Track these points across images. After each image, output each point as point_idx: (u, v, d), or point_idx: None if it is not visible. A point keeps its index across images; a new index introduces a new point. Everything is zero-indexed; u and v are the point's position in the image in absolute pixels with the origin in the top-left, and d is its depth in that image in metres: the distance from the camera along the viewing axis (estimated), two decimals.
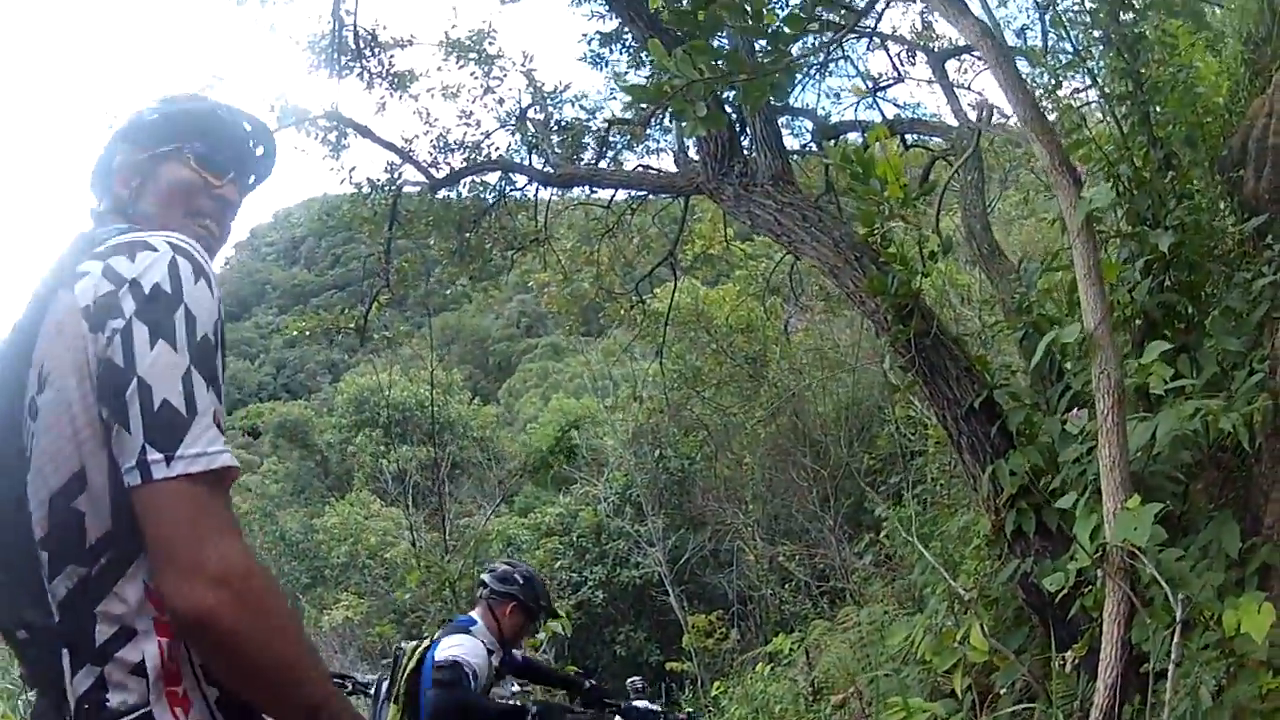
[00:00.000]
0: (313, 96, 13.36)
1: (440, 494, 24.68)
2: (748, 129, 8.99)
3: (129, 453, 1.67)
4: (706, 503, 21.04)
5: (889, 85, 14.63)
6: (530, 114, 12.98)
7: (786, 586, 17.51)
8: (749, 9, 4.87)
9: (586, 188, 13.86)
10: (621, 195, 14.08)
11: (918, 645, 6.78)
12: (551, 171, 11.97)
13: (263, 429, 50.34)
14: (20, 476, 1.78)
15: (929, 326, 7.05)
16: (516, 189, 13.16)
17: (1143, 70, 6.07)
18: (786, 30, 5.05)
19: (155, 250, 1.80)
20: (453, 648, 5.36)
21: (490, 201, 13.02)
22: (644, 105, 13.10)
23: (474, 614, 5.79)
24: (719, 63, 4.87)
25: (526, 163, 12.73)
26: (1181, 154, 6.21)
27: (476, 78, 12.89)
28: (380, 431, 35.50)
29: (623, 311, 16.16)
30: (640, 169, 13.22)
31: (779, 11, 5.34)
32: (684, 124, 6.04)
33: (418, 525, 27.38)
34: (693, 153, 9.67)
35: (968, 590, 7.26)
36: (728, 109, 8.61)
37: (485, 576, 5.85)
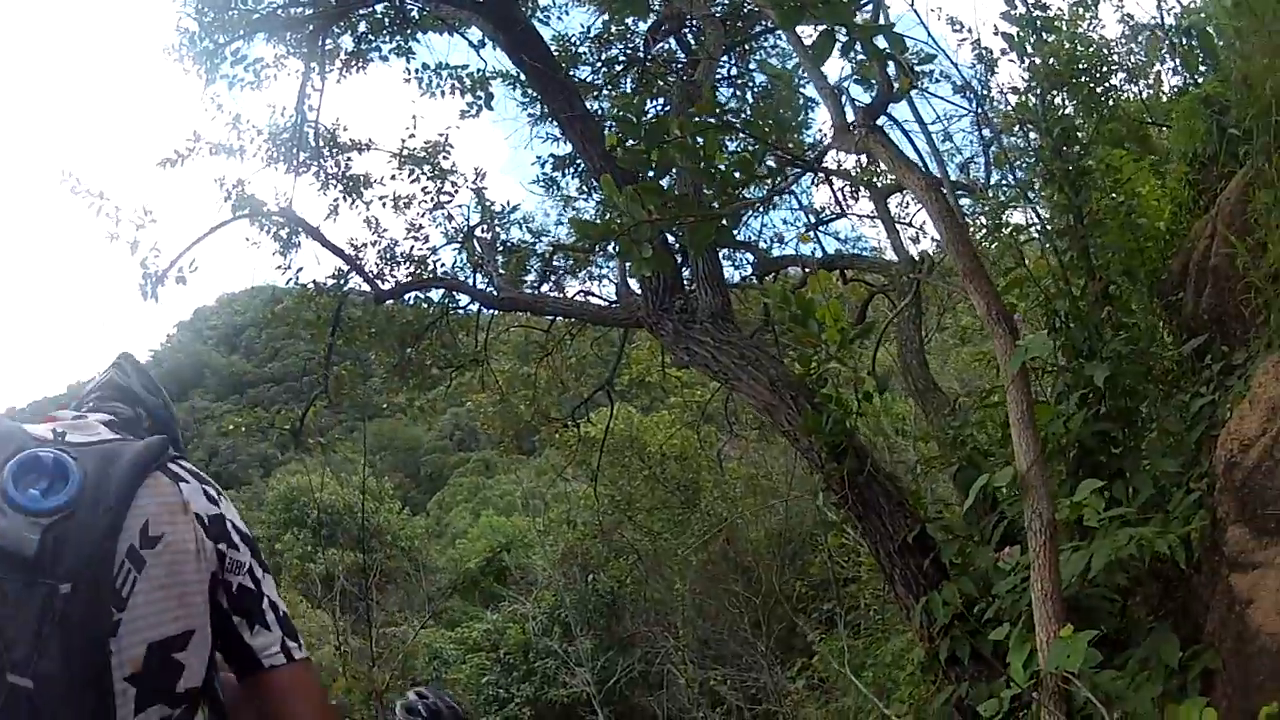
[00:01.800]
0: (267, 188, 13.40)
1: (368, 602, 24.34)
2: (690, 265, 9.05)
3: (271, 643, 2.22)
4: (636, 625, 20.89)
5: (831, 219, 14.95)
6: (478, 232, 13.04)
7: (718, 710, 17.34)
8: (701, 152, 4.95)
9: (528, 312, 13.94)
10: (561, 319, 14.15)
11: None
12: (495, 294, 12.00)
13: None
14: (105, 606, 1.94)
15: (863, 465, 7.09)
16: (459, 307, 13.15)
17: (1083, 207, 6.20)
18: (738, 175, 5.13)
19: (222, 494, 2.33)
20: None
21: (433, 318, 12.98)
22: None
23: None
24: (668, 204, 4.92)
25: (471, 281, 12.76)
26: (1120, 283, 6.33)
27: (429, 192, 12.96)
28: (309, 532, 35.05)
29: (557, 435, 16.17)
30: (583, 295, 13.40)
31: (727, 156, 5.41)
32: (629, 262, 6.09)
33: (344, 631, 26.98)
34: (635, 286, 9.73)
35: (901, 717, 7.22)
36: (673, 245, 8.71)
37: (397, 705, 5.71)
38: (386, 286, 12.36)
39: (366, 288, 12.44)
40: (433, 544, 40.09)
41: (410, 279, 12.65)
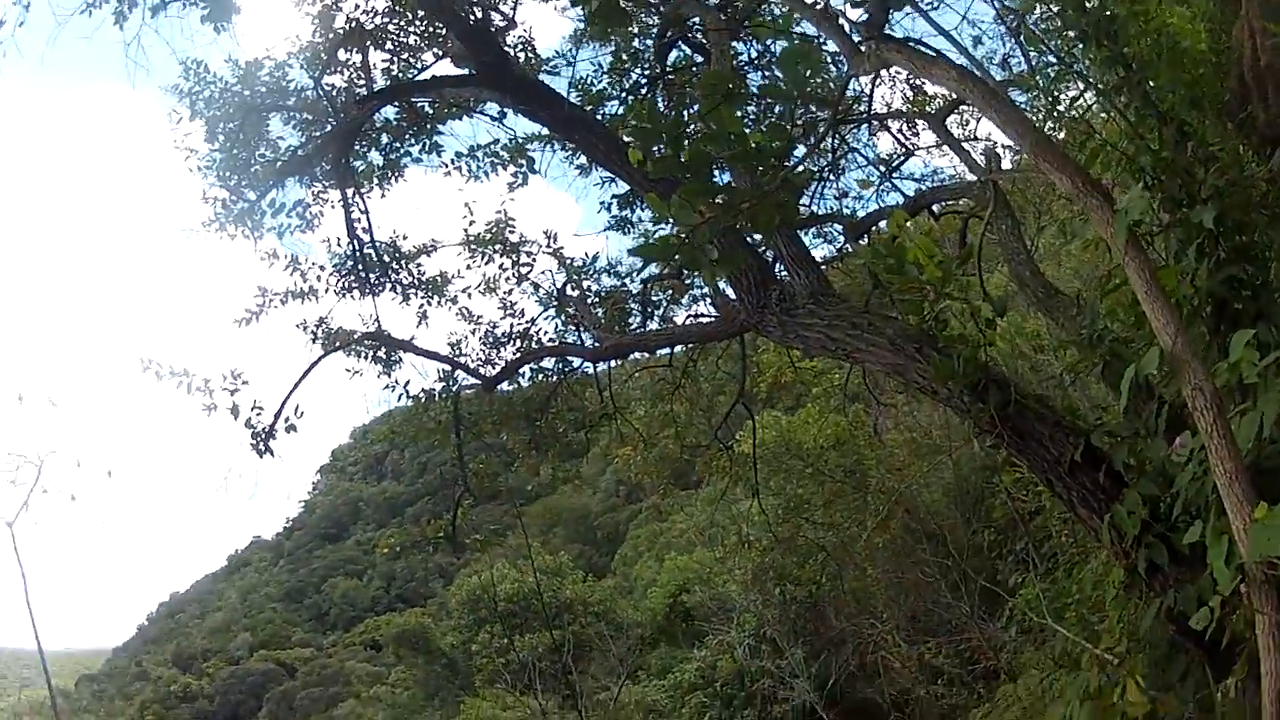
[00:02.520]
0: (350, 316, 13.64)
1: (566, 674, 24.44)
2: (774, 253, 8.84)
3: None
4: (841, 621, 20.54)
5: (901, 163, 14.57)
6: (568, 290, 12.98)
7: (940, 681, 16.96)
8: (732, 135, 4.77)
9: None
10: (680, 348, 14.08)
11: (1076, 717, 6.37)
12: (599, 346, 11.89)
13: (382, 642, 50.63)
14: None
15: (1007, 395, 6.76)
16: (574, 368, 13.12)
17: (1126, 50, 5.91)
18: (774, 145, 4.94)
19: None
20: None
21: (552, 387, 13.01)
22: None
23: None
24: (719, 199, 4.75)
25: (578, 341, 12.70)
26: (1190, 119, 6.01)
27: (506, 269, 12.98)
28: (499, 625, 35.40)
29: (711, 462, 16.00)
30: (691, 319, 13.20)
31: (761, 132, 5.22)
32: (699, 272, 5.92)
33: (550, 711, 27.16)
34: (730, 292, 9.56)
35: (1115, 645, 6.86)
36: (747, 240, 8.50)
37: None
38: (494, 371, 12.35)
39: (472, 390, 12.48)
40: (624, 601, 40.12)
41: (518, 355, 12.61)
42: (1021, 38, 11.16)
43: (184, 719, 76.71)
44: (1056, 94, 9.63)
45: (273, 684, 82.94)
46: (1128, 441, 6.39)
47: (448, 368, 12.28)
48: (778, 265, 8.86)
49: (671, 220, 4.68)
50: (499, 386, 12.40)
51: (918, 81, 13.05)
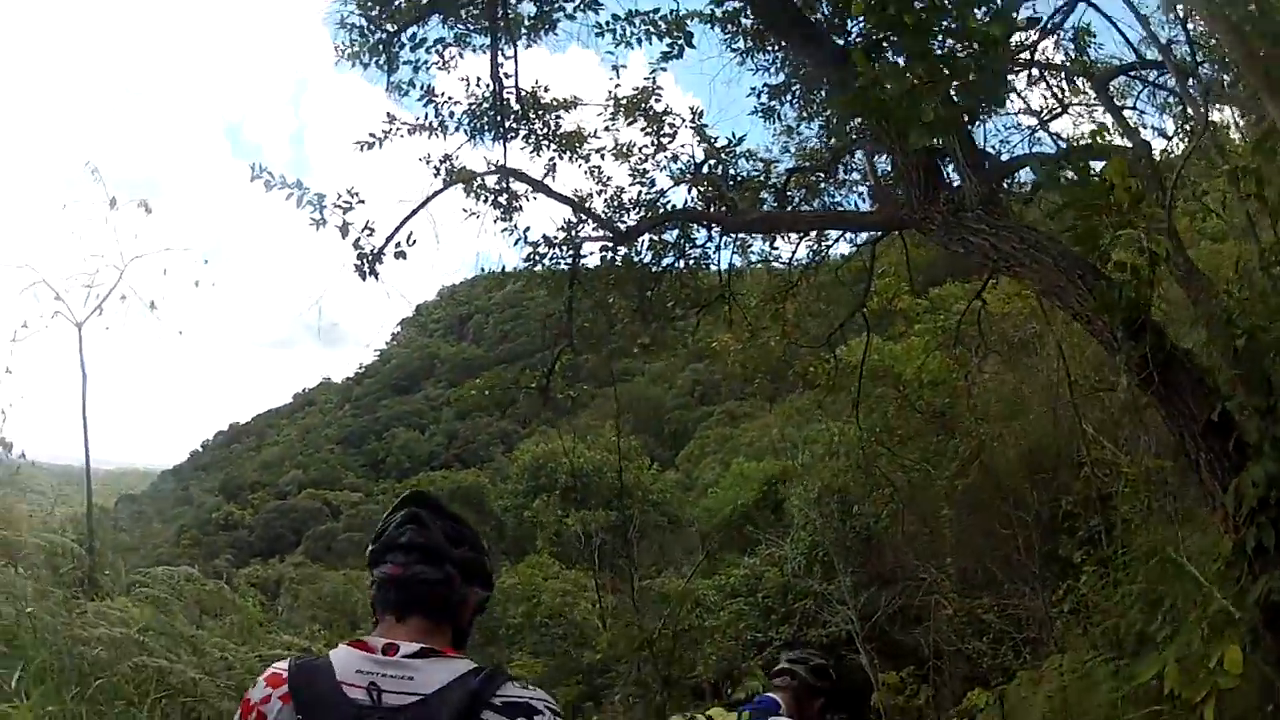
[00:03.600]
0: (476, 160, 13.36)
1: (630, 555, 24.58)
2: (949, 158, 8.62)
3: None
4: (897, 559, 20.47)
5: (1054, 117, 14.11)
6: (704, 168, 12.75)
7: (984, 639, 16.87)
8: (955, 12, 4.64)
9: (767, 243, 13.58)
10: (802, 252, 13.84)
11: (1168, 678, 6.28)
12: (744, 216, 11.66)
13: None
14: None
15: (1162, 341, 6.66)
16: (696, 246, 12.94)
17: None
18: (994, 33, 4.81)
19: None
20: None
21: (671, 259, 12.82)
22: (832, 143, 12.84)
23: (778, 697, 5.38)
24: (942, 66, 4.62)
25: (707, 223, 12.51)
26: None
27: (648, 134, 12.67)
28: (558, 496, 35.68)
29: (811, 368, 15.77)
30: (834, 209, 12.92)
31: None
32: (909, 136, 5.74)
33: (604, 586, 27.39)
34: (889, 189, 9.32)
35: (1216, 611, 6.72)
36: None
37: (797, 667, 5.49)
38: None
39: (599, 237, 12.31)
40: (684, 497, 40.39)
41: (649, 217, 12.42)
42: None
43: (219, 546, 76.99)
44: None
45: (315, 522, 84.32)
46: (1259, 416, 6.30)
47: (571, 219, 12.13)
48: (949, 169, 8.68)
49: (882, 77, 4.55)
50: (622, 247, 12.26)
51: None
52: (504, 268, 13.91)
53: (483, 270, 12.33)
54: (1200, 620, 6.43)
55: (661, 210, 12.59)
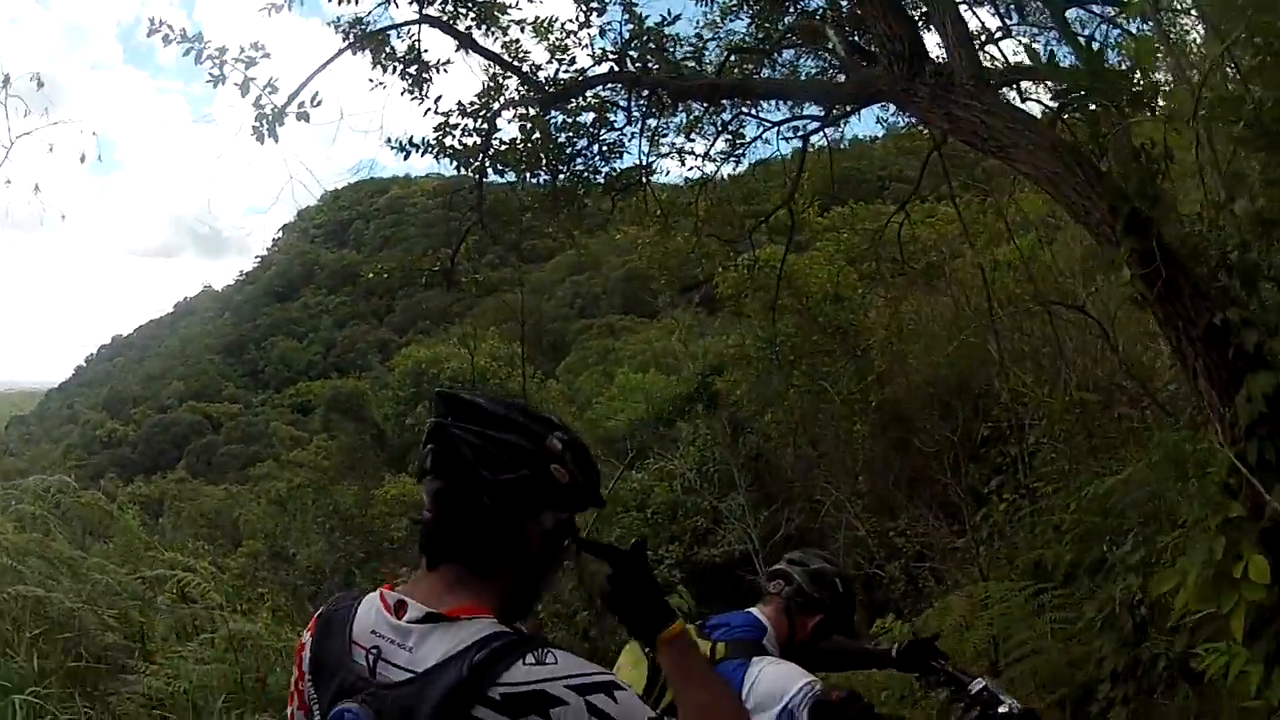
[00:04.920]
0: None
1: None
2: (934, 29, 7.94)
3: None
4: (802, 479, 20.03)
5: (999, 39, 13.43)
6: (632, 47, 11.74)
7: (896, 564, 16.49)
8: None
9: (683, 136, 12.61)
10: (720, 145, 12.82)
11: (1185, 592, 5.74)
12: (688, 81, 10.71)
13: (312, 405, 50.48)
14: None
15: (1161, 239, 6.12)
16: (613, 130, 11.95)
17: None
18: None
19: (622, 690, 1.93)
20: (796, 680, 3.70)
21: (584, 143, 11.83)
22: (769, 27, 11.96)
23: (760, 614, 4.18)
24: None
25: (627, 103, 11.55)
26: None
27: (578, 4, 11.64)
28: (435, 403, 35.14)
29: (721, 268, 15.05)
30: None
31: None
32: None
33: None
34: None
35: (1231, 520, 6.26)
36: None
37: (794, 571, 4.25)
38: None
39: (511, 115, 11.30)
40: (567, 408, 40.08)
41: (578, 78, 11.32)
42: None
43: (104, 464, 76.28)
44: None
45: (196, 436, 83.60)
46: (1257, 329, 5.91)
47: (490, 84, 11.12)
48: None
49: None
50: (546, 114, 11.25)
51: None
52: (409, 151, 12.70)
53: (389, 141, 11.05)
54: (1215, 530, 5.94)
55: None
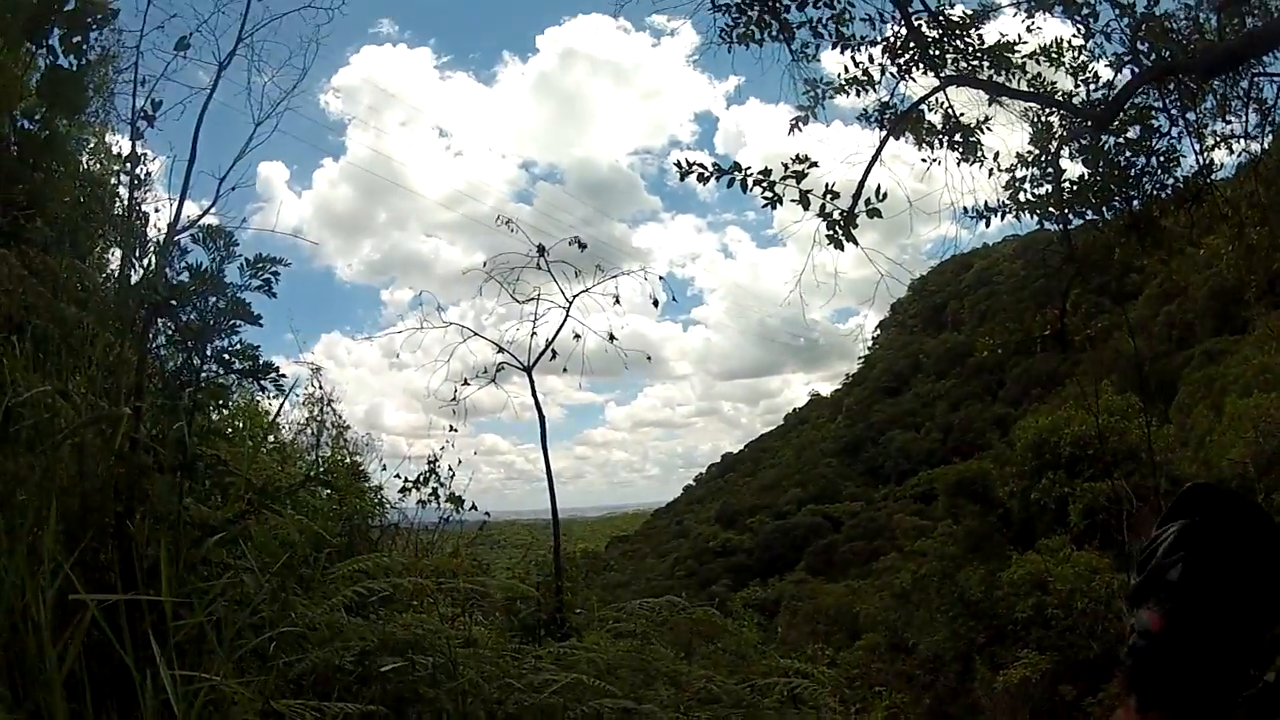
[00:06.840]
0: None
1: (1123, 528, 22.60)
2: None
3: None
4: None
5: None
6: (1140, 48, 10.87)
7: None
8: None
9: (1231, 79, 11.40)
10: (1252, 119, 11.33)
11: None
12: (1195, 61, 9.77)
13: (935, 492, 50.30)
14: None
15: None
16: (1161, 136, 10.89)
17: None
18: None
19: None
20: None
21: (1143, 160, 10.88)
22: None
23: None
24: None
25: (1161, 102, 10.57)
26: None
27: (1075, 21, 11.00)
28: (1062, 473, 33.85)
29: None
30: None
31: None
32: None
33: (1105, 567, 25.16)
34: None
35: None
36: None
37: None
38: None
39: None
40: (1181, 451, 37.16)
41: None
42: None
43: (716, 572, 79.84)
44: None
45: (815, 537, 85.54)
46: None
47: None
48: None
49: None
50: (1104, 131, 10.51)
51: None
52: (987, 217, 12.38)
53: (966, 211, 10.89)
54: None
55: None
